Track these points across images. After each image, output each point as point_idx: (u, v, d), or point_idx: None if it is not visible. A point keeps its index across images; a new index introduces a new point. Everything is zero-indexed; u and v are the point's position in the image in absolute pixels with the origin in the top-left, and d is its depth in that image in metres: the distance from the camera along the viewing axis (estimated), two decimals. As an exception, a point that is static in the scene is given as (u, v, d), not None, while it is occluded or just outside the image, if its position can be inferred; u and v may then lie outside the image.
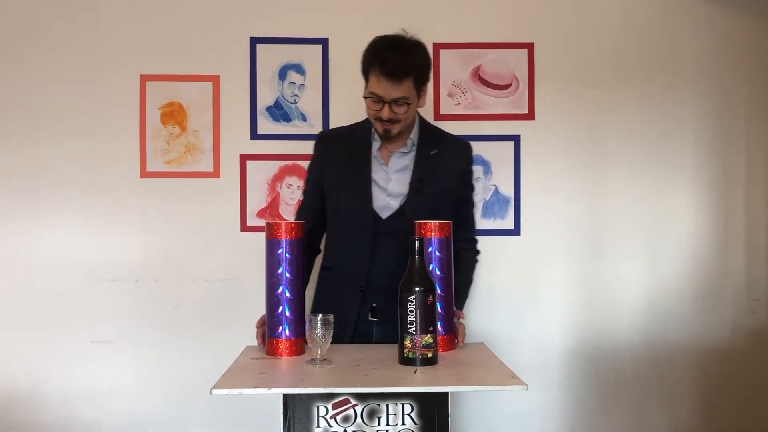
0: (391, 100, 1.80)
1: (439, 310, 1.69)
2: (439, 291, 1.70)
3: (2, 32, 2.69)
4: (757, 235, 2.80)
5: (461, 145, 2.03)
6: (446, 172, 1.94)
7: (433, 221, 1.72)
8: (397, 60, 1.78)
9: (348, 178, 1.94)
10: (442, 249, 1.72)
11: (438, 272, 1.71)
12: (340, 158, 1.97)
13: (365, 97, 1.86)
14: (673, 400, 2.78)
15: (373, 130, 1.95)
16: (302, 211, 2.07)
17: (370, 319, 1.95)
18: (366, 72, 1.86)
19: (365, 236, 1.91)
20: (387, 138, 1.90)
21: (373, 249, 1.92)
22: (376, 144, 1.95)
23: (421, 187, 1.90)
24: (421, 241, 1.61)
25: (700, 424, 2.78)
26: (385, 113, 1.81)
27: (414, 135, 1.95)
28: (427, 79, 1.90)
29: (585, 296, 2.77)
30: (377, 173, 1.94)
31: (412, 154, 1.94)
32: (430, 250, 1.71)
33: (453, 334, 1.75)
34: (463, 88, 2.76)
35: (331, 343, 1.60)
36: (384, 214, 1.92)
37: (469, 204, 2.06)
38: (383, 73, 1.77)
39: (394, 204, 1.92)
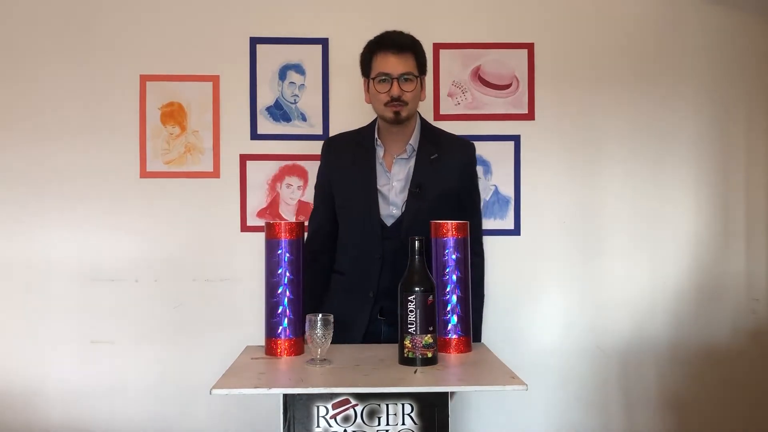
0: (398, 75, 1.87)
1: (459, 311, 1.69)
2: (458, 292, 1.70)
3: (2, 33, 2.69)
4: (757, 235, 2.80)
5: (463, 144, 2.05)
6: (447, 173, 1.96)
7: (450, 221, 1.72)
8: (400, 37, 1.92)
9: (355, 188, 1.98)
10: (459, 249, 1.71)
11: (456, 273, 1.70)
12: (346, 165, 2.01)
13: (373, 79, 1.91)
14: (672, 400, 2.77)
15: (376, 137, 1.99)
16: (314, 223, 2.10)
17: (379, 317, 1.98)
18: (369, 62, 1.93)
19: (374, 244, 1.95)
20: (398, 122, 1.92)
21: (383, 255, 1.95)
22: (380, 150, 1.98)
23: (420, 193, 1.93)
24: (421, 241, 1.61)
25: (700, 424, 2.77)
26: (395, 89, 1.87)
27: (414, 140, 1.98)
28: (425, 71, 1.98)
29: (585, 296, 2.77)
30: (381, 182, 1.97)
31: (413, 160, 1.97)
32: (446, 251, 1.71)
33: (470, 336, 1.74)
34: (463, 88, 2.76)
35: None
36: (388, 222, 1.96)
37: (474, 205, 2.05)
38: (389, 48, 1.89)
39: (396, 212, 1.95)
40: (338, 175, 2.02)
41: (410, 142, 1.97)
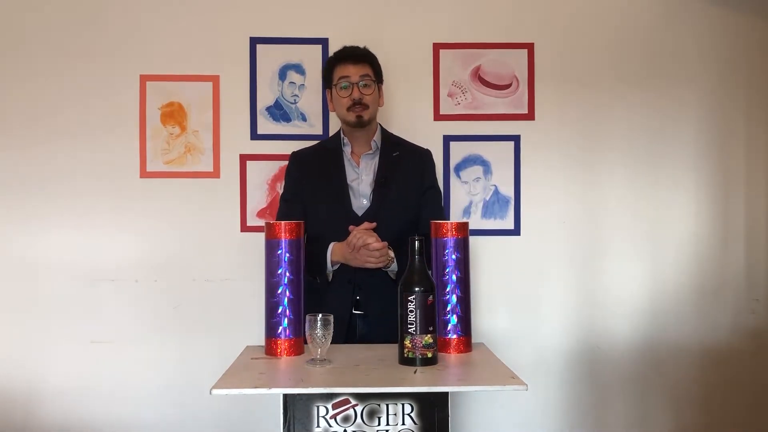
0: (358, 79, 2.07)
1: (459, 311, 1.69)
2: (458, 292, 1.70)
3: (2, 33, 2.69)
4: (757, 235, 2.80)
5: (421, 151, 2.23)
6: (408, 171, 2.14)
7: (450, 221, 1.73)
8: (357, 50, 2.14)
9: (327, 186, 2.13)
10: (459, 249, 1.71)
11: (456, 273, 1.70)
12: (316, 172, 2.16)
13: (335, 85, 2.10)
14: (672, 400, 2.78)
15: (342, 137, 2.15)
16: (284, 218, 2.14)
17: (354, 312, 2.05)
18: (330, 73, 2.13)
19: (347, 232, 2.01)
20: (360, 125, 2.09)
21: None
22: (347, 148, 2.15)
23: (385, 183, 2.10)
24: (421, 241, 1.60)
25: (700, 424, 2.77)
26: (356, 93, 2.07)
27: (377, 138, 2.17)
28: (381, 80, 2.18)
29: (585, 296, 2.77)
30: (351, 177, 2.14)
31: (377, 156, 2.15)
32: (446, 251, 1.71)
33: (470, 336, 1.75)
34: (463, 88, 2.76)
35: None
36: (360, 213, 2.08)
37: (435, 202, 2.19)
38: (348, 59, 2.10)
39: (366, 203, 2.11)
40: (309, 181, 2.15)
41: (374, 139, 2.16)
